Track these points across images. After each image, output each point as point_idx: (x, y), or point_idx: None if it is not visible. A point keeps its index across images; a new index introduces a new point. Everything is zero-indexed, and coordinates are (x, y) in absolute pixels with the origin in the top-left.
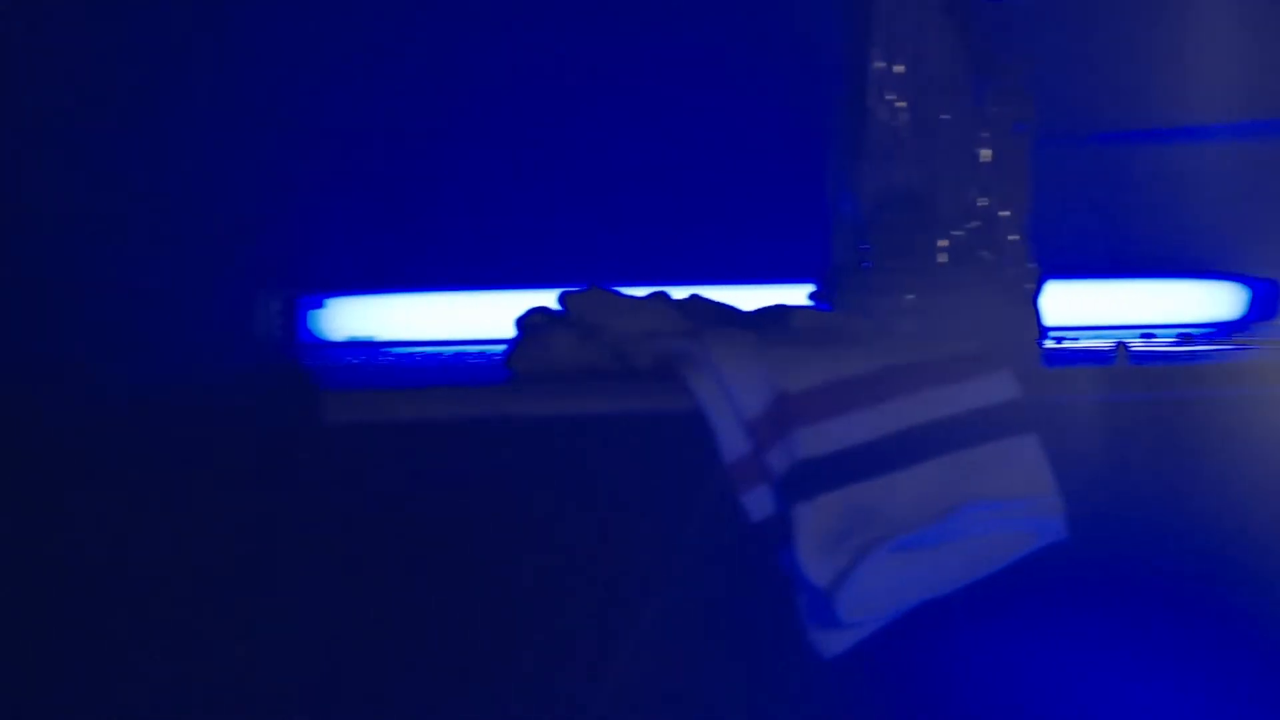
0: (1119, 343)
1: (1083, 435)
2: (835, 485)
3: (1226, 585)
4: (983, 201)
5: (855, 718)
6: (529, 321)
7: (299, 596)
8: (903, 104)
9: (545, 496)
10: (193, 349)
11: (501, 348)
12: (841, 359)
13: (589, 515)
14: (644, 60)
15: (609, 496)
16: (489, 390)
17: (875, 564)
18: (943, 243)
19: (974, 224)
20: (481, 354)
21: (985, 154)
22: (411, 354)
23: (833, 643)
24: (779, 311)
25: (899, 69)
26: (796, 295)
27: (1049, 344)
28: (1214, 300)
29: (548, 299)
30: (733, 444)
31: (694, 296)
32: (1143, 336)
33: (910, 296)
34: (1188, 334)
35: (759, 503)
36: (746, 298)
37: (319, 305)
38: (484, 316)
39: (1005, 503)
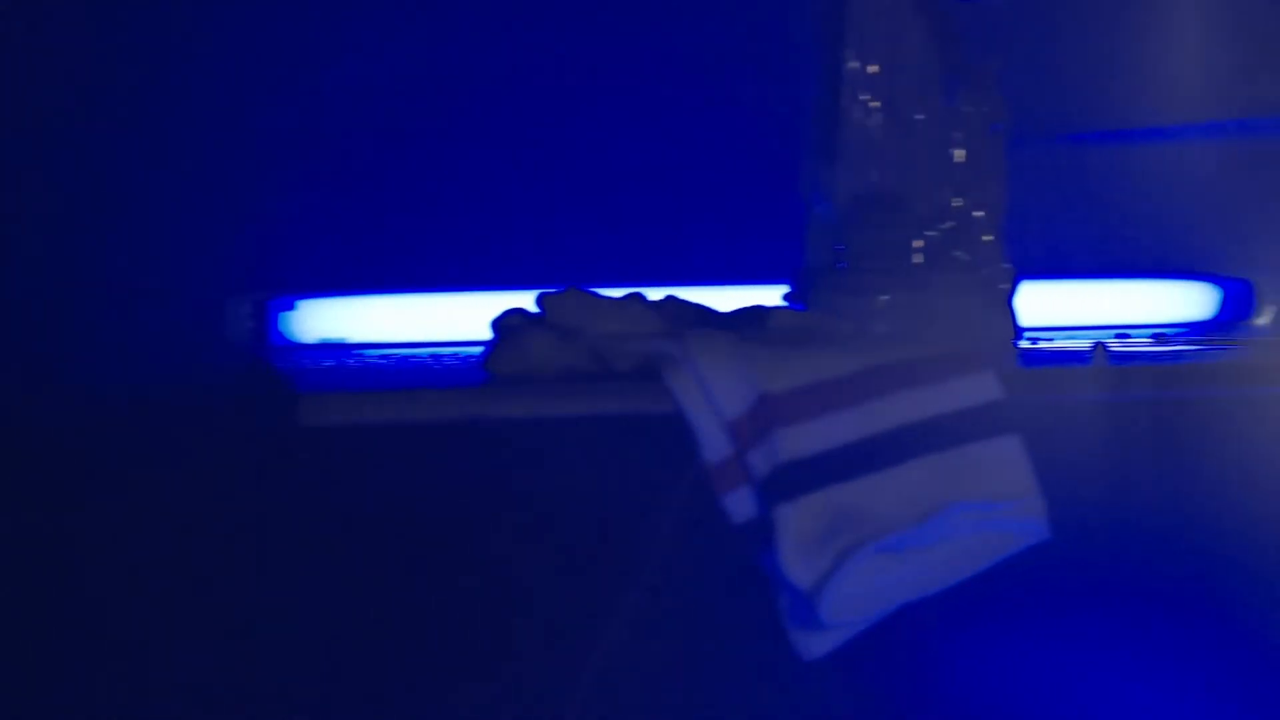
0: (1097, 343)
1: (1063, 435)
2: (817, 486)
3: (1206, 584)
4: (957, 202)
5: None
6: (506, 323)
7: (276, 599)
8: (876, 104)
9: (525, 500)
10: (163, 352)
11: (475, 350)
12: (823, 360)
13: (568, 519)
14: (619, 62)
15: (589, 500)
16: (468, 392)
17: (857, 566)
18: (917, 243)
19: (948, 224)
20: (456, 356)
21: (959, 154)
22: (385, 356)
23: (815, 645)
24: (757, 313)
25: (873, 69)
26: (771, 296)
27: (1024, 344)
28: (1188, 300)
29: (519, 300)
30: (714, 445)
31: (670, 298)
32: (1117, 336)
33: (885, 297)
34: (1162, 334)
35: (741, 504)
36: (722, 299)
37: (290, 307)
38: (456, 318)
39: (988, 504)
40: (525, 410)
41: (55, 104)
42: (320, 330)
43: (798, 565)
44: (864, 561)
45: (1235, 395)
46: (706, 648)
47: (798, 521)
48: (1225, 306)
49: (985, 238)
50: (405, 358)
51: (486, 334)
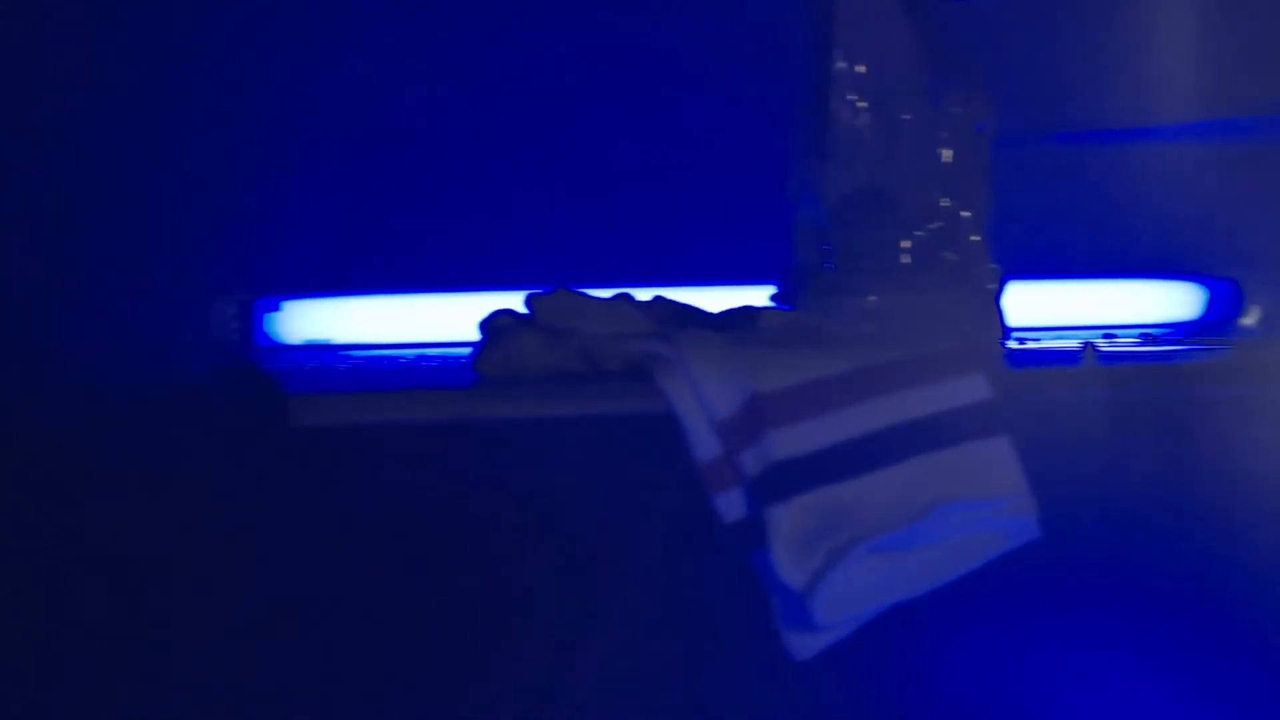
0: (1086, 343)
1: (1053, 435)
2: (809, 487)
3: (1195, 582)
4: (944, 202)
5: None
6: (494, 324)
7: (271, 599)
8: (864, 104)
9: (515, 500)
10: (149, 352)
11: (462, 351)
12: (814, 360)
13: (558, 519)
14: (606, 63)
15: (579, 500)
16: (457, 394)
17: (850, 566)
18: (905, 243)
19: (936, 225)
20: (443, 357)
21: (946, 154)
22: (372, 357)
23: (807, 645)
24: (746, 313)
25: (860, 70)
26: (759, 297)
27: (1013, 344)
28: (1175, 300)
29: (507, 301)
30: (705, 445)
31: (658, 298)
32: (1104, 337)
33: (872, 297)
34: (1149, 334)
35: (733, 504)
36: (710, 299)
37: (275, 308)
38: (442, 319)
39: (978, 503)
40: (515, 411)
41: (43, 106)
42: (306, 331)
43: (790, 565)
44: (856, 561)
45: (1222, 395)
46: (697, 647)
47: (789, 522)
48: (1212, 306)
49: (972, 238)
50: (390, 359)
51: (474, 335)
